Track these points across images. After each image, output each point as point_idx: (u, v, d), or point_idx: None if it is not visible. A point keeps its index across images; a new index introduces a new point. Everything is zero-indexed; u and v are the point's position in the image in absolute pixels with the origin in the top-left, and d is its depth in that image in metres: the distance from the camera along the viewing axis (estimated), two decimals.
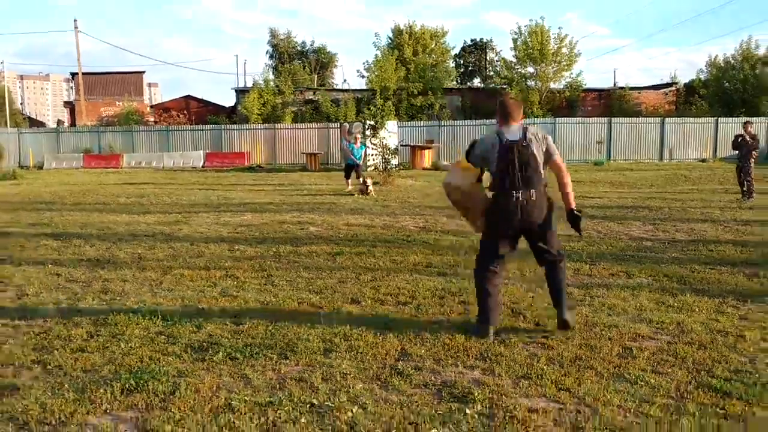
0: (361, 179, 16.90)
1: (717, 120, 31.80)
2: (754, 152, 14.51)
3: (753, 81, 35.08)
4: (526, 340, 4.84)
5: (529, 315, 5.45)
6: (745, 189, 14.48)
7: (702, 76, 39.10)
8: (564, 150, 30.32)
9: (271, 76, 41.35)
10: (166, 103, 45.45)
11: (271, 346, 4.67)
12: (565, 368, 4.23)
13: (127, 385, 3.91)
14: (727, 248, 8.52)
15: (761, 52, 35.56)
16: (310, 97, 39.27)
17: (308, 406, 3.66)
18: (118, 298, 6.24)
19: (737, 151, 14.91)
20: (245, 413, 3.56)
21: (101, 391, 3.84)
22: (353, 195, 16.53)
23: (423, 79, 38.07)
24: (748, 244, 8.87)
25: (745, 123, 15.24)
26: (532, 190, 4.81)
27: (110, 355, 4.52)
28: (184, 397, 3.75)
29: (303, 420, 3.49)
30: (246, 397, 3.76)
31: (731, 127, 28.39)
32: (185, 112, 41.61)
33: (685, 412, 3.59)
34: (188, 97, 43.43)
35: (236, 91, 40.78)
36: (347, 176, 18.18)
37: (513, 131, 4.91)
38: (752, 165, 14.54)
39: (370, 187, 16.29)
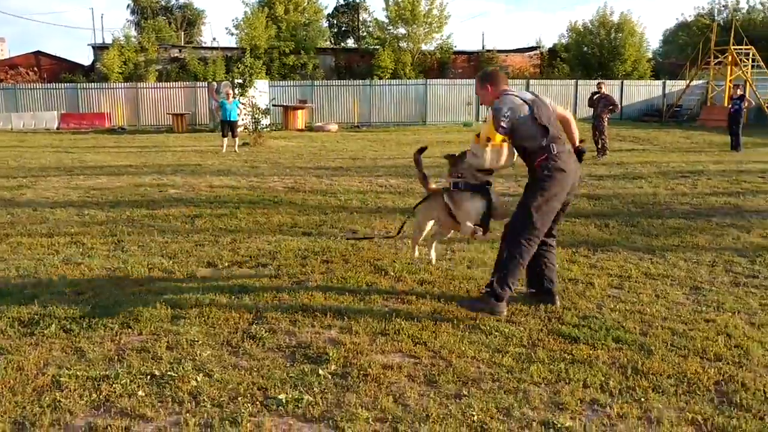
0: (237, 139, 16.41)
1: (576, 82, 33.45)
2: (613, 108, 15.30)
3: (608, 45, 37.14)
4: (386, 296, 4.77)
5: (392, 271, 5.40)
6: (599, 146, 15.28)
7: (564, 41, 40.90)
8: (434, 111, 30.83)
9: (134, 33, 38.80)
10: (13, 58, 41.45)
11: (113, 315, 4.29)
12: (422, 323, 4.19)
13: None
14: (581, 202, 8.92)
15: (616, 18, 37.61)
16: (176, 55, 37.22)
17: (148, 377, 3.38)
18: None
19: (592, 109, 15.68)
20: (74, 390, 3.22)
21: None
22: (221, 152, 16.17)
23: (295, 38, 37.11)
24: (600, 197, 9.35)
25: (598, 83, 16.06)
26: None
27: None
28: (3, 377, 3.34)
29: (140, 393, 3.20)
30: (78, 372, 3.41)
31: (590, 88, 29.92)
32: (36, 69, 38.13)
33: (536, 360, 3.65)
34: (38, 53, 39.73)
35: (93, 47, 37.81)
36: (224, 135, 17.29)
37: (520, 92, 4.35)
38: (606, 124, 15.36)
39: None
